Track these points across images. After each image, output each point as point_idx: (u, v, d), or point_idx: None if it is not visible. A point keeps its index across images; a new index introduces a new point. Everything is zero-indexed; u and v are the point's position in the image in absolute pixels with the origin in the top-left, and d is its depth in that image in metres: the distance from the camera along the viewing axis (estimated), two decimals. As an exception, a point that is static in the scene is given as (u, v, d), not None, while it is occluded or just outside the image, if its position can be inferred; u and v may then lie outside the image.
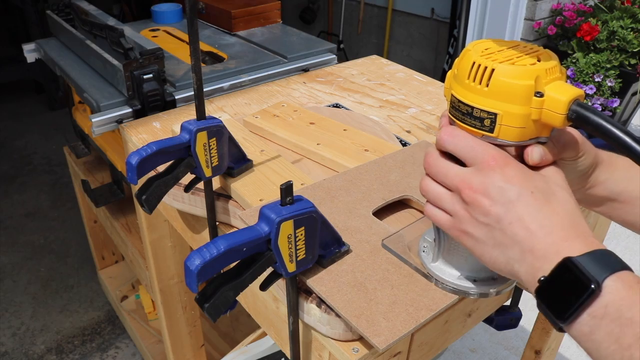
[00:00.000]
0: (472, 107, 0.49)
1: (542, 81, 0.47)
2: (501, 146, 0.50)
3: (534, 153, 0.50)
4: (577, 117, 0.46)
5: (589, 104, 2.46)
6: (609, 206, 0.61)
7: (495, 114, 0.48)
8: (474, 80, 0.49)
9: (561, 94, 0.47)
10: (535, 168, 0.51)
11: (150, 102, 1.17)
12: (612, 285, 0.42)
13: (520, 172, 0.49)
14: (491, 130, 0.49)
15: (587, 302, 0.42)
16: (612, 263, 0.44)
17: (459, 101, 0.51)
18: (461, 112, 0.51)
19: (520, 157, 0.51)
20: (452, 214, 0.52)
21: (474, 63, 0.49)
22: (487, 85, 0.48)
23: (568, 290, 0.43)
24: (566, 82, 0.49)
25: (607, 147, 0.59)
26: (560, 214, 0.48)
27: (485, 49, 0.51)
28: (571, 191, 0.50)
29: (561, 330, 0.45)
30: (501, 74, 0.47)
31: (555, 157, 0.52)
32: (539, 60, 0.49)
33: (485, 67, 0.48)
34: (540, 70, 0.47)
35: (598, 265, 0.43)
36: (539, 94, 0.47)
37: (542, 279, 0.45)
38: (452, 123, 0.53)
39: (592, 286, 0.42)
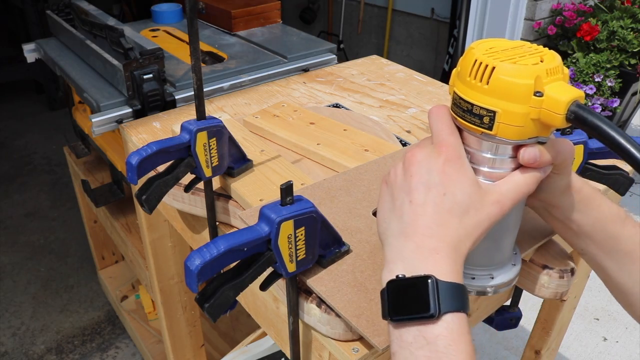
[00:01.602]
0: (472, 104, 0.50)
1: (543, 81, 0.47)
2: (500, 144, 0.51)
3: (525, 154, 0.50)
4: (575, 118, 0.46)
5: (589, 103, 2.46)
6: (564, 230, 0.61)
7: (494, 112, 0.48)
8: (475, 78, 0.49)
9: (561, 94, 0.47)
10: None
11: (150, 102, 1.17)
12: (449, 322, 0.44)
13: (454, 173, 0.50)
14: (490, 128, 0.49)
15: (419, 322, 0.45)
16: (462, 300, 0.46)
17: (460, 98, 0.51)
18: (462, 109, 0.51)
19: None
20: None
21: (475, 61, 0.49)
22: (488, 83, 0.48)
23: (411, 301, 0.45)
24: (568, 83, 0.49)
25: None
26: (452, 229, 0.48)
27: (490, 48, 0.51)
28: (488, 226, 0.50)
29: (386, 320, 0.47)
30: (501, 72, 0.48)
31: (552, 161, 0.52)
32: (541, 61, 0.49)
33: (487, 65, 0.48)
34: (541, 71, 0.48)
35: (449, 298, 0.45)
36: (539, 94, 0.47)
37: (399, 275, 0.47)
38: (454, 120, 0.53)
39: (432, 312, 0.44)
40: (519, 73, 0.47)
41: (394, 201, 0.52)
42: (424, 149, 0.52)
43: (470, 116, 0.50)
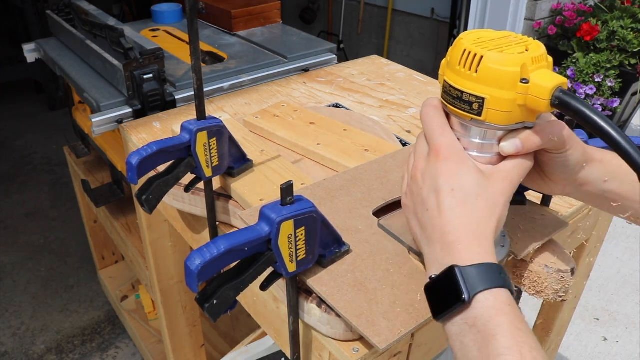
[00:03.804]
0: (462, 92, 0.52)
1: (528, 69, 0.50)
2: (489, 129, 0.53)
3: (505, 147, 0.53)
4: (560, 104, 0.49)
5: (590, 103, 2.46)
6: (604, 204, 0.62)
7: (483, 98, 0.51)
8: (464, 67, 0.52)
9: (545, 81, 0.49)
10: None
11: (151, 102, 1.17)
12: (483, 302, 0.47)
13: (455, 168, 0.53)
14: (479, 114, 0.52)
15: (458, 310, 0.47)
16: (493, 279, 0.47)
17: (450, 86, 0.53)
18: (452, 97, 0.53)
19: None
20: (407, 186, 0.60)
21: (464, 50, 0.52)
22: (477, 71, 0.51)
23: (446, 295, 0.48)
24: (552, 70, 0.52)
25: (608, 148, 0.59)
26: (468, 217, 0.51)
27: (478, 38, 0.53)
28: (505, 200, 0.53)
29: (438, 322, 0.50)
30: (489, 61, 0.50)
31: (542, 146, 0.54)
32: (527, 50, 0.51)
33: (475, 54, 0.51)
34: (527, 59, 0.50)
35: (478, 279, 0.47)
36: (525, 81, 0.50)
37: (432, 277, 0.51)
38: (444, 107, 0.56)
39: (464, 297, 0.46)
40: (506, 61, 0.50)
41: (417, 215, 0.56)
42: (422, 157, 0.56)
43: (460, 103, 0.53)
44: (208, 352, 1.58)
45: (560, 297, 0.68)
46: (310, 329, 0.67)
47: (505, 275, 0.48)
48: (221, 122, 0.75)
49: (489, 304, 0.46)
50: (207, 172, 0.76)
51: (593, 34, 2.45)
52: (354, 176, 0.83)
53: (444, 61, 0.56)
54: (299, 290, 0.65)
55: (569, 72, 2.47)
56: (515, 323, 0.46)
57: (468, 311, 0.47)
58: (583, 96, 2.41)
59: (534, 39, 0.54)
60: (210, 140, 0.74)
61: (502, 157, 0.55)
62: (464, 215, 0.51)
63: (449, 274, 0.48)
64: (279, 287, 0.70)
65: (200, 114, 0.73)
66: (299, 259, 0.60)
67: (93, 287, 2.12)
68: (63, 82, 1.48)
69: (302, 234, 0.59)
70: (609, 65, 2.41)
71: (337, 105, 1.18)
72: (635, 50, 2.41)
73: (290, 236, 0.58)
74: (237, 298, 0.60)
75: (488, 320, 0.46)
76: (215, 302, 0.56)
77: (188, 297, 1.35)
